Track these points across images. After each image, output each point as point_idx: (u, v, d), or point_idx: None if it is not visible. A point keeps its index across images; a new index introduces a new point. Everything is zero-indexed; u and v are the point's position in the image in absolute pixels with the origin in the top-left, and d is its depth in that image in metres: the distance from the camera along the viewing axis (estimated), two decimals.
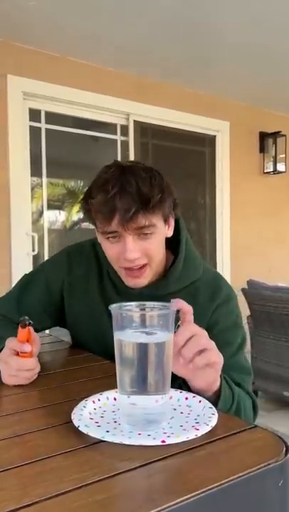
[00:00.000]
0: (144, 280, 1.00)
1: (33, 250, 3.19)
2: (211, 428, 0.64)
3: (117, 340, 0.68)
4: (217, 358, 0.76)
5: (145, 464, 0.56)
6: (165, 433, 0.64)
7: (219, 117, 4.10)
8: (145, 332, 0.68)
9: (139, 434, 0.64)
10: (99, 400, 0.74)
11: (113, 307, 0.69)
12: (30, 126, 3.17)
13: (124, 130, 3.62)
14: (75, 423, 0.65)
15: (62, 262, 1.16)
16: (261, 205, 4.48)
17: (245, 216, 4.34)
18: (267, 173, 4.44)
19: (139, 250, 0.94)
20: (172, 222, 1.03)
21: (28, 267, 3.08)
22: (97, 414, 0.70)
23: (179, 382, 0.90)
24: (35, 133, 3.20)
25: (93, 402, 0.73)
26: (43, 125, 3.25)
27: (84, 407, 0.70)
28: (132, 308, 0.71)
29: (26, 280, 1.19)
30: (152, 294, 1.00)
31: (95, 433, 0.62)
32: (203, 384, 0.80)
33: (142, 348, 0.67)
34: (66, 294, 1.15)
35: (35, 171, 3.23)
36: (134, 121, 3.61)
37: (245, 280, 3.06)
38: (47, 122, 3.26)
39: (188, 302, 0.79)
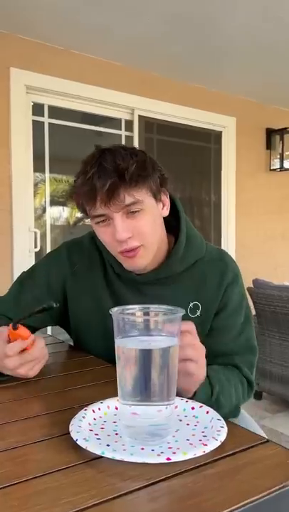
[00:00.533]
0: (140, 260, 0.96)
1: (36, 247, 3.14)
2: (220, 443, 0.59)
3: (119, 346, 0.63)
4: (196, 370, 0.77)
5: (148, 485, 0.51)
6: (170, 448, 0.59)
7: (225, 113, 4.03)
8: (149, 337, 0.63)
9: (142, 448, 0.59)
10: (99, 409, 0.69)
11: (114, 311, 0.63)
12: (33, 120, 3.12)
13: (129, 125, 3.55)
14: (73, 436, 0.60)
15: (62, 258, 1.11)
16: (267, 202, 4.41)
17: (250, 213, 4.27)
18: (273, 170, 4.37)
19: (129, 230, 0.91)
20: (166, 200, 1.01)
21: (29, 264, 3.02)
22: (97, 426, 0.66)
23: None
24: (38, 127, 3.15)
25: (93, 411, 0.68)
26: (46, 119, 3.19)
27: (83, 417, 0.66)
28: (134, 312, 0.66)
29: (24, 278, 1.14)
30: (157, 276, 1.00)
31: (94, 448, 0.57)
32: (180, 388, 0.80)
33: (146, 354, 0.62)
34: (70, 290, 1.10)
35: (38, 166, 3.18)
36: (139, 116, 3.54)
37: (250, 279, 2.99)
38: (50, 116, 3.20)
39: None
